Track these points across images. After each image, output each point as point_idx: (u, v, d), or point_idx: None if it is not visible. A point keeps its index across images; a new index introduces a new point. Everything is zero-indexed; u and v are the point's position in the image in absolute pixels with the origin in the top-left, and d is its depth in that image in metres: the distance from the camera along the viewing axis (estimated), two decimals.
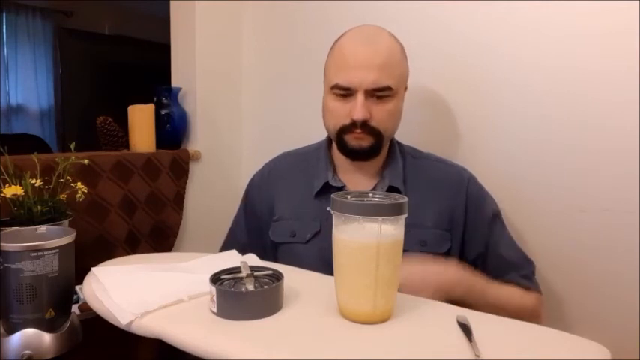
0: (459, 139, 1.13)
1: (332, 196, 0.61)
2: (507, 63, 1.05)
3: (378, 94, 0.86)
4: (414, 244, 0.88)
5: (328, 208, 0.61)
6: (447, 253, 0.91)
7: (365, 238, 0.59)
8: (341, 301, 0.63)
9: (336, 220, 0.61)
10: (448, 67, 1.13)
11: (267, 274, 0.69)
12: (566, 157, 0.99)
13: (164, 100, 1.43)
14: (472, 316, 0.62)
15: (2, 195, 0.84)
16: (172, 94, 1.43)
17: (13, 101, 3.86)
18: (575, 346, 0.58)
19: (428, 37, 1.15)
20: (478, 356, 0.53)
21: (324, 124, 0.95)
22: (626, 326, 0.94)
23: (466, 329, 0.59)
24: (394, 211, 0.59)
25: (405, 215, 0.60)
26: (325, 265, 0.90)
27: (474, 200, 0.94)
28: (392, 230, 0.59)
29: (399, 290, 0.64)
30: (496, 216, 0.95)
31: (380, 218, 0.58)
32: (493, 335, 0.59)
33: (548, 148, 1.01)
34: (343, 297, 0.62)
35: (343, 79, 0.86)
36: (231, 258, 0.85)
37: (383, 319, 0.61)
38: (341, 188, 0.94)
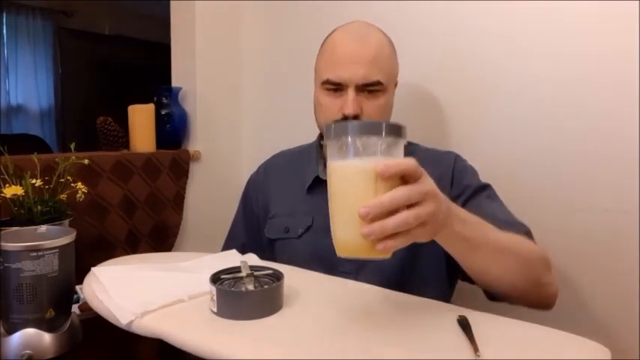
0: (453, 138, 1.13)
1: (330, 126, 0.56)
2: (504, 59, 1.05)
3: (369, 89, 0.87)
4: None
5: (322, 142, 0.56)
6: None
7: (362, 161, 0.54)
8: (339, 236, 0.56)
9: (330, 150, 0.57)
10: (440, 63, 1.13)
11: (267, 274, 0.69)
12: (565, 157, 0.99)
13: (164, 100, 1.43)
14: (472, 316, 0.62)
15: (2, 195, 0.84)
16: (172, 94, 1.43)
17: (13, 101, 3.86)
18: (575, 346, 0.58)
19: (419, 33, 1.15)
20: (478, 356, 0.53)
21: (316, 120, 0.95)
22: (626, 326, 0.94)
23: (466, 329, 0.59)
24: (393, 132, 0.55)
25: (405, 141, 0.56)
26: (318, 260, 0.91)
27: (458, 174, 0.92)
28: (389, 154, 0.55)
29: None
30: (481, 188, 0.90)
31: (380, 139, 0.54)
32: (493, 335, 0.59)
33: (547, 148, 1.01)
34: (341, 231, 0.56)
35: (334, 75, 0.87)
36: (231, 258, 0.85)
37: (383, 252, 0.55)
38: None
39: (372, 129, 0.55)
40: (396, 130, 0.55)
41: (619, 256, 0.94)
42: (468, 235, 0.64)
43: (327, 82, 0.88)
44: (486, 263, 0.69)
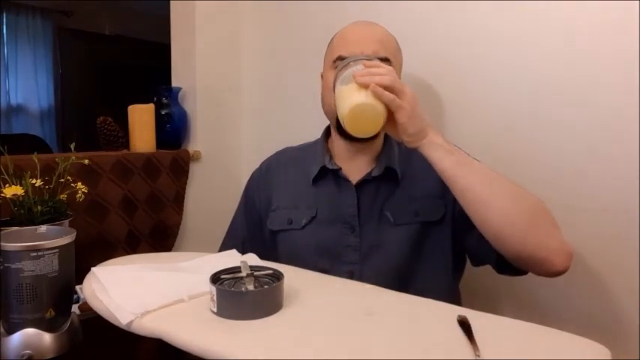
0: (452, 136, 1.12)
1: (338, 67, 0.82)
2: (502, 58, 1.05)
3: None
4: (410, 216, 0.91)
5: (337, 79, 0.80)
6: (442, 220, 0.91)
7: (357, 64, 0.79)
8: (346, 103, 0.75)
9: (338, 80, 0.80)
10: (440, 60, 1.13)
11: (267, 274, 0.69)
12: (565, 156, 0.99)
13: (164, 100, 1.43)
14: (472, 316, 0.62)
15: (2, 195, 0.84)
16: (172, 94, 1.43)
17: (13, 101, 3.86)
18: (575, 346, 0.58)
19: (418, 31, 1.16)
20: (478, 356, 0.53)
21: (324, 107, 0.96)
22: (626, 326, 0.94)
23: (466, 329, 0.59)
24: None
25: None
26: (321, 251, 0.91)
27: None
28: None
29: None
30: None
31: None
32: (493, 335, 0.59)
33: (547, 147, 1.01)
34: (346, 100, 0.76)
35: (346, 51, 0.90)
36: (231, 258, 0.85)
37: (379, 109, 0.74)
38: (337, 171, 0.94)
39: (364, 59, 0.82)
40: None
41: (619, 256, 0.94)
42: (452, 149, 0.78)
43: (339, 58, 0.90)
44: (475, 182, 0.76)
